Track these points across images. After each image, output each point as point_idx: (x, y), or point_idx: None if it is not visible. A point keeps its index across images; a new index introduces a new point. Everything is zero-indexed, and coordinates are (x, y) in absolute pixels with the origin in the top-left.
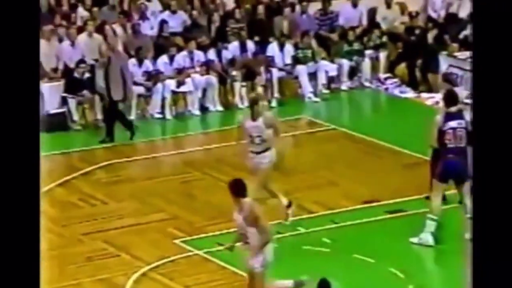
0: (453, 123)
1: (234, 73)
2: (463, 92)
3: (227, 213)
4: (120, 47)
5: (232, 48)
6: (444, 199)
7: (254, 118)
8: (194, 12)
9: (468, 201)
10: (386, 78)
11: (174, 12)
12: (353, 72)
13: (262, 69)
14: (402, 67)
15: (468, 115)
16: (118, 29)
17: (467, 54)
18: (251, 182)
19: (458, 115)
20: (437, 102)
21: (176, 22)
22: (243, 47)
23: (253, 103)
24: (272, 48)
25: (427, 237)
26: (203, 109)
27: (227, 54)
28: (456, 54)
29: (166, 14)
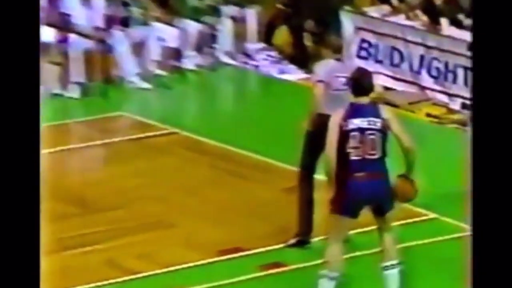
0: (360, 121)
1: None
2: (379, 71)
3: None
4: None
5: None
6: (348, 242)
7: None
8: None
9: (390, 245)
10: (257, 51)
11: None
12: (204, 41)
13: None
14: (283, 33)
15: (384, 111)
16: None
17: (383, 10)
18: None
19: (370, 110)
20: (345, 85)
21: None
22: None
23: None
24: (71, 1)
25: None
26: None
27: None
28: (366, 10)
29: None
